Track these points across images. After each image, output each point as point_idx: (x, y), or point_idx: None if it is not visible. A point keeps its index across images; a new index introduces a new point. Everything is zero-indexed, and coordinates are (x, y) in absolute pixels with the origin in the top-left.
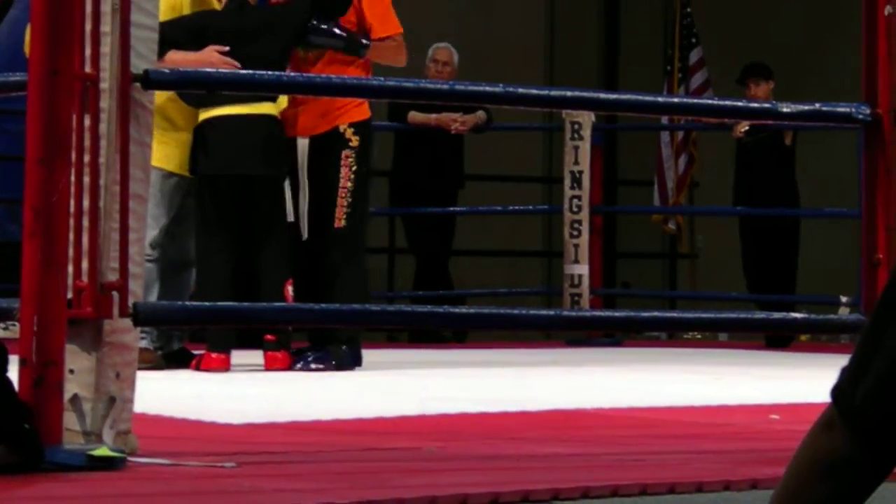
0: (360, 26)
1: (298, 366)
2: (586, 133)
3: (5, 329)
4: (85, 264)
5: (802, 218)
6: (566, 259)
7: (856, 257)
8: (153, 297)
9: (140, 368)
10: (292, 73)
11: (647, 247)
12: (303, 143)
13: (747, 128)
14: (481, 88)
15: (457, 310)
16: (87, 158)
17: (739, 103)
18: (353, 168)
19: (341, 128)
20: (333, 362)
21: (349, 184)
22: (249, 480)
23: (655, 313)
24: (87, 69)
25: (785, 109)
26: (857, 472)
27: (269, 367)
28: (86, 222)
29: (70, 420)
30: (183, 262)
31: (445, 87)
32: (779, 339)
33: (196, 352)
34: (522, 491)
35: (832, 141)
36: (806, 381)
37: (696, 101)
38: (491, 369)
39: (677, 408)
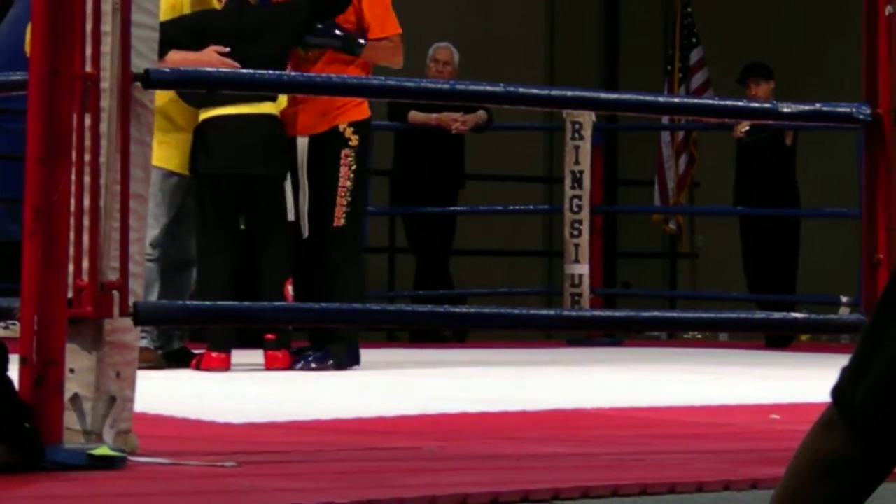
0: (360, 26)
1: (299, 365)
2: (587, 133)
3: (6, 328)
4: (85, 263)
5: (803, 218)
6: (566, 259)
7: (856, 257)
8: (154, 297)
9: (140, 368)
10: (292, 73)
11: (647, 247)
12: (302, 143)
13: (748, 128)
14: (482, 88)
15: (457, 309)
16: (87, 158)
17: (740, 103)
18: (353, 167)
19: (341, 127)
20: (333, 362)
21: (349, 183)
22: (249, 480)
23: (655, 313)
24: (88, 68)
25: (785, 109)
26: (857, 472)
27: (270, 366)
28: (86, 222)
29: (70, 419)
30: (183, 262)
31: (446, 86)
32: (779, 339)
33: (196, 351)
34: (522, 491)
35: (832, 141)
36: (806, 381)
37: (696, 101)
38: (491, 369)
39: (677, 408)
